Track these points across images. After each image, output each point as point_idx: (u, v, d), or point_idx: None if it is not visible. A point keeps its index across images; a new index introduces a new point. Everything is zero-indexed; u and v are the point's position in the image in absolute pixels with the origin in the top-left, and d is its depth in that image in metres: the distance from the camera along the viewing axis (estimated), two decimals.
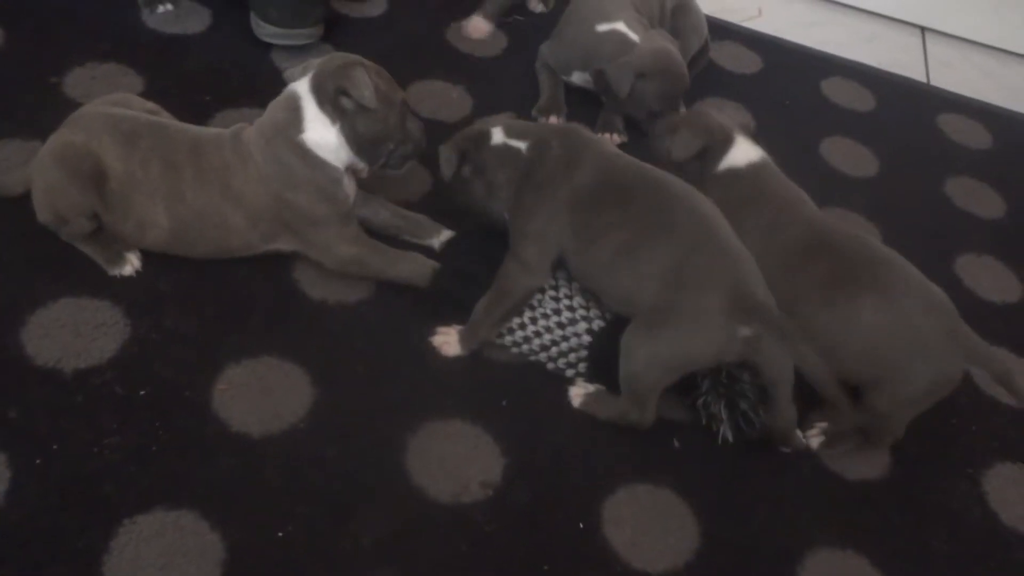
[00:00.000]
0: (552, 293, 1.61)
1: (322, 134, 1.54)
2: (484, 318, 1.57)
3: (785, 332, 1.44)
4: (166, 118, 1.64)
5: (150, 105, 1.66)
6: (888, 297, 1.52)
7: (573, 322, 1.58)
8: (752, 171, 1.70)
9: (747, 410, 1.51)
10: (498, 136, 1.62)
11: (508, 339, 1.60)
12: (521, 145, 1.61)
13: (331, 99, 1.53)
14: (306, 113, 1.54)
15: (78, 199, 1.50)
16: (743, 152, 1.71)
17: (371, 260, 1.61)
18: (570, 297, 1.61)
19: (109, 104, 1.61)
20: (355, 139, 1.56)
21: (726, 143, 1.71)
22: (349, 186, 1.61)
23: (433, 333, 1.60)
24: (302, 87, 1.55)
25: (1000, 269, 2.08)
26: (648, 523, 1.43)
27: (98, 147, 1.51)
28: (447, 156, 1.61)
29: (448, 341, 1.59)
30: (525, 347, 1.60)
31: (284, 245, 1.61)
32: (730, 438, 1.53)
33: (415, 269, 1.63)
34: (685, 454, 1.54)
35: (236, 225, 1.56)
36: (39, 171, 1.53)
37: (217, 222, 1.55)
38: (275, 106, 1.58)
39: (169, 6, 2.08)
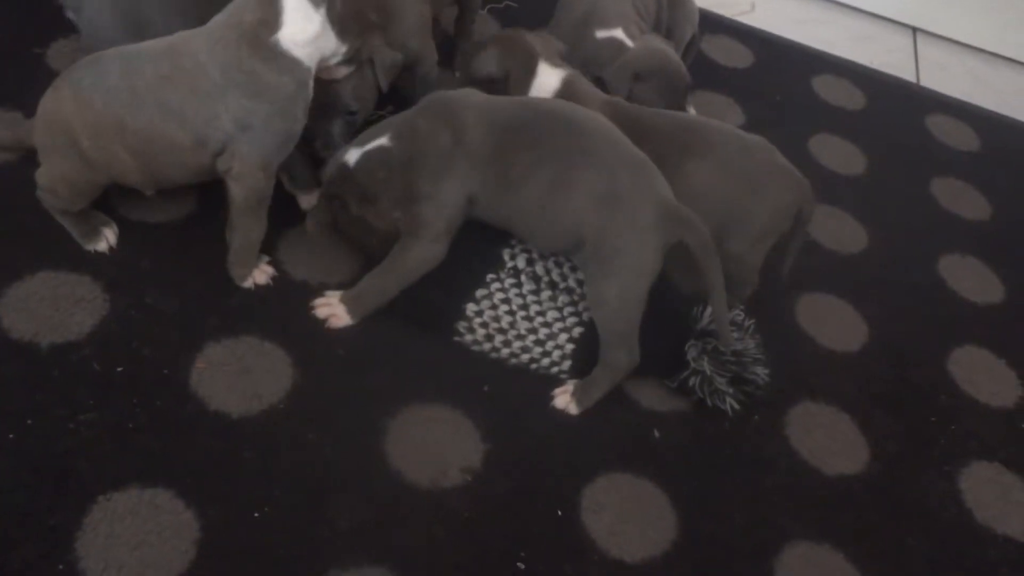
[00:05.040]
0: (520, 301, 1.60)
1: (302, 26, 1.42)
2: (376, 294, 1.55)
3: (704, 237, 1.49)
4: None
5: None
6: (707, 153, 1.63)
7: (548, 325, 1.58)
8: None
9: (742, 373, 1.56)
10: (353, 154, 1.54)
11: (487, 345, 1.58)
12: (383, 142, 1.54)
13: None
14: (285, 4, 1.41)
15: (80, 187, 1.48)
16: (547, 80, 1.73)
17: (265, 203, 1.51)
18: (540, 302, 1.60)
19: None
20: (340, 19, 1.47)
21: (530, 71, 1.73)
22: (308, 97, 1.49)
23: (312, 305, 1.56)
24: None
25: (983, 270, 2.09)
26: (626, 513, 1.43)
27: (64, 110, 1.43)
28: (316, 219, 1.57)
29: (335, 312, 1.54)
30: (505, 351, 1.58)
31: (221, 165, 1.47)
32: (736, 406, 1.57)
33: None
34: (665, 445, 1.54)
35: (183, 144, 1.44)
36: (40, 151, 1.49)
37: (165, 146, 1.44)
38: (237, 6, 1.43)
39: None
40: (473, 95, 1.60)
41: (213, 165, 1.47)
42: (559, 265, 1.64)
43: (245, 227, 1.52)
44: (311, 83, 1.48)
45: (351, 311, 1.55)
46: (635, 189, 1.49)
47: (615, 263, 1.48)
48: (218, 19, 1.44)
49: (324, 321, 1.54)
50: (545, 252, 1.62)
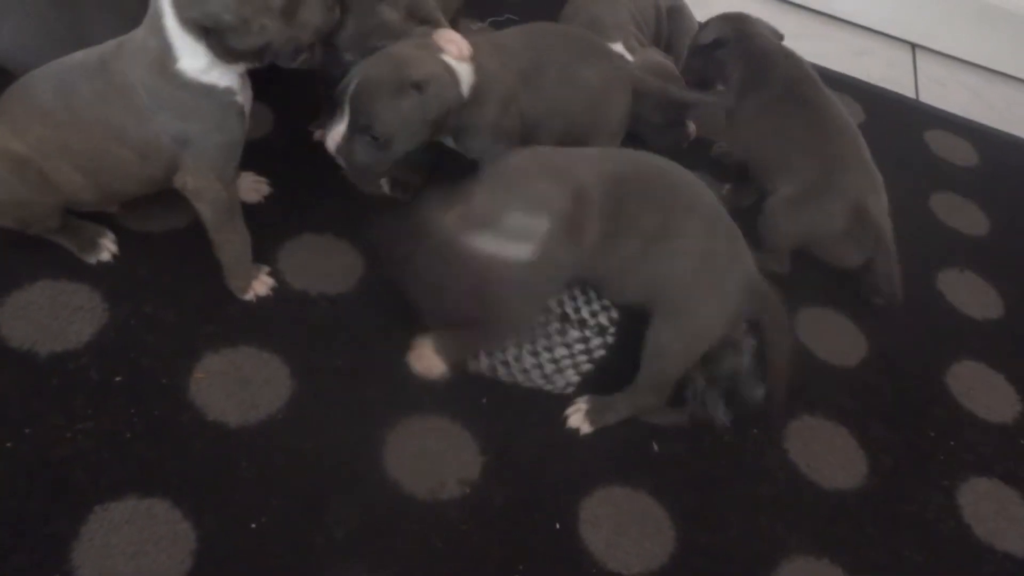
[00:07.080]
0: (527, 335, 1.59)
1: (197, 59, 1.33)
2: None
3: (780, 316, 1.49)
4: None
5: None
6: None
7: (556, 362, 1.57)
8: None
9: (740, 386, 1.56)
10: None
11: (503, 372, 1.56)
12: (543, 224, 1.40)
13: (188, 19, 1.29)
14: (171, 37, 1.30)
15: (34, 210, 1.44)
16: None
17: (236, 213, 1.49)
18: (548, 335, 1.59)
19: None
20: (228, 56, 1.33)
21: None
22: (245, 98, 1.42)
23: (411, 351, 1.54)
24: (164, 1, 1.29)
25: (981, 285, 2.10)
26: (624, 525, 1.43)
27: (5, 141, 1.40)
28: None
29: (434, 364, 1.53)
30: (521, 377, 1.57)
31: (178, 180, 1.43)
32: (727, 423, 1.57)
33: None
34: (663, 458, 1.54)
35: (127, 159, 1.40)
36: None
37: (111, 162, 1.40)
38: (146, 25, 1.34)
39: None
40: (569, 150, 1.54)
41: (165, 176, 1.44)
42: (572, 298, 1.61)
43: (225, 242, 1.51)
44: (240, 93, 1.40)
45: (447, 360, 1.53)
46: (729, 254, 1.48)
47: (688, 321, 1.46)
48: (136, 35, 1.37)
49: (328, 331, 1.55)
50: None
